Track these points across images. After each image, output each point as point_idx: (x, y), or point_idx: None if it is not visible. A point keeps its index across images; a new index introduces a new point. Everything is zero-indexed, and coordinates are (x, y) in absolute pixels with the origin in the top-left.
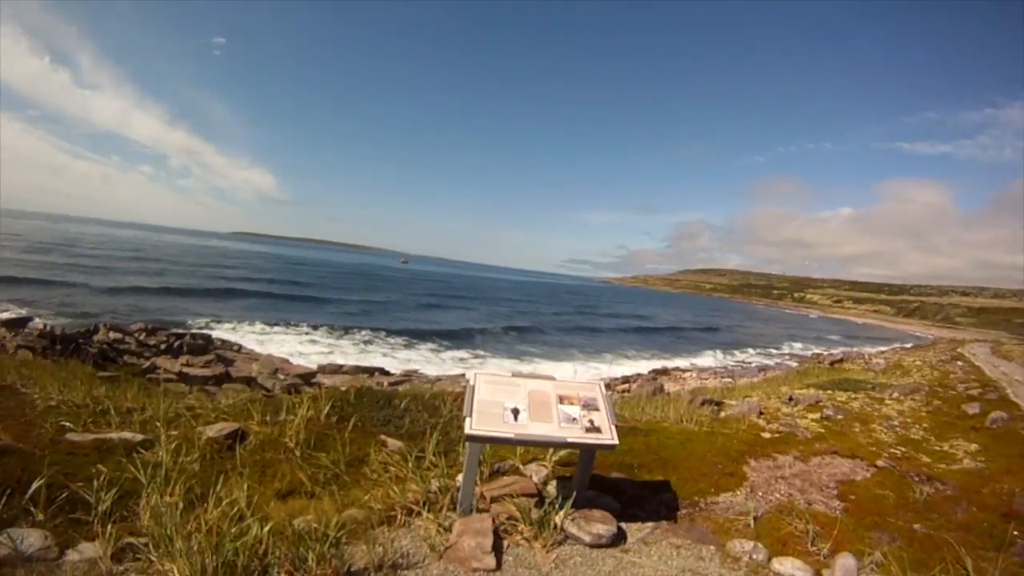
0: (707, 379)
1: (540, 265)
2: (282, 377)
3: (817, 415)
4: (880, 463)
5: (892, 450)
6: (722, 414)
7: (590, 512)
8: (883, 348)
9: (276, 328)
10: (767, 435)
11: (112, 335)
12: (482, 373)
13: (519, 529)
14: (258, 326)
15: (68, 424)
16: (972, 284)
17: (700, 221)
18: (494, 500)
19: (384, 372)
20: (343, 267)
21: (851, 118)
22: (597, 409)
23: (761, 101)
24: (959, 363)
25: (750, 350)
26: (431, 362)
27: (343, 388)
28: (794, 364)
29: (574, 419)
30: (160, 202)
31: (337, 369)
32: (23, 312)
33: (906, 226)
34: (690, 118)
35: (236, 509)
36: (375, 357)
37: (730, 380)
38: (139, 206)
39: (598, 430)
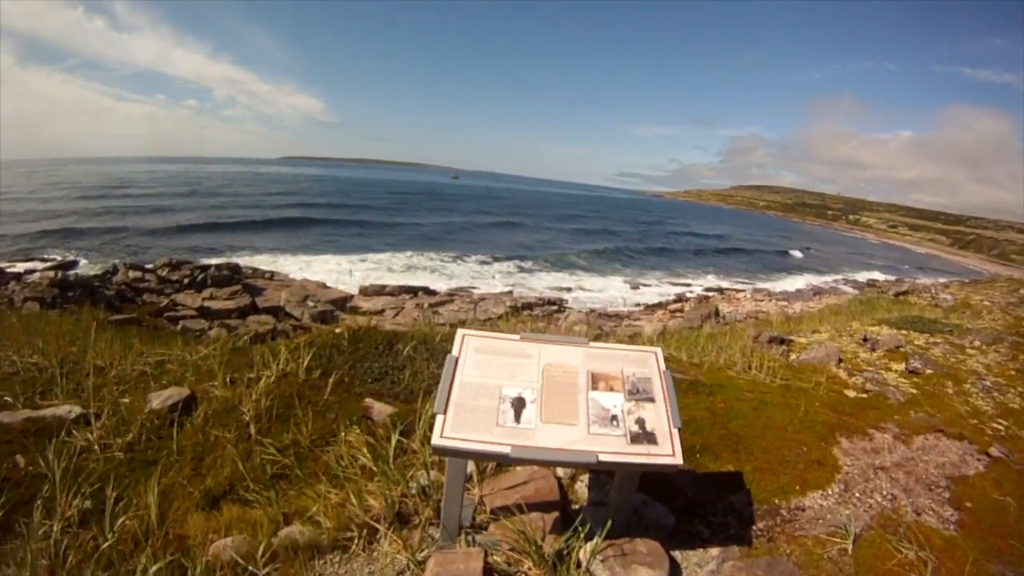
0: (762, 301)
1: (591, 179)
2: (312, 304)
3: (901, 366)
4: (993, 451)
5: (995, 425)
6: (792, 356)
7: (632, 546)
8: (942, 280)
9: (320, 252)
10: (852, 394)
11: (132, 274)
12: (473, 333)
13: (524, 568)
14: (300, 251)
15: (8, 399)
16: None
17: (755, 136)
18: (497, 512)
19: (428, 291)
20: (392, 185)
21: (913, 37)
22: (651, 399)
23: (819, 13)
24: None
25: (806, 272)
26: (479, 277)
27: (337, 330)
28: (850, 290)
29: (613, 417)
30: (208, 134)
31: (380, 290)
32: (70, 257)
33: (966, 155)
34: (745, 25)
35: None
36: (421, 275)
37: (786, 303)
38: (187, 140)
39: (651, 438)
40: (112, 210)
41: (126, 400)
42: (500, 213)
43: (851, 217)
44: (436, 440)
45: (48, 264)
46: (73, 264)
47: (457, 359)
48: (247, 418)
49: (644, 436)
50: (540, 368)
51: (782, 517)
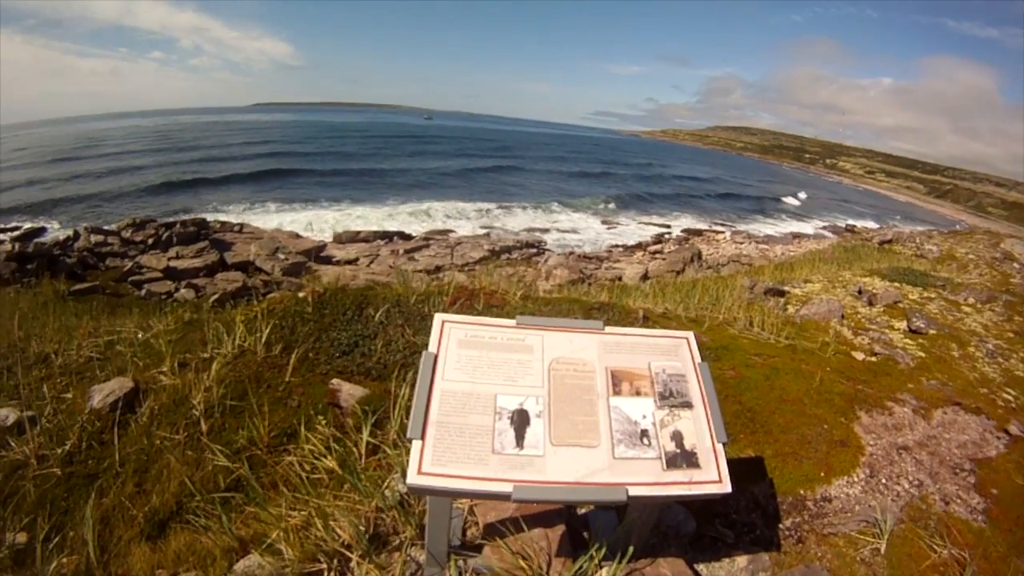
0: (742, 244)
1: (566, 118)
2: (282, 257)
3: (903, 324)
4: (1013, 429)
5: (1005, 395)
6: (790, 309)
7: (655, 568)
8: (919, 228)
9: (291, 201)
10: (861, 356)
11: (94, 238)
12: (455, 320)
13: None
14: (271, 202)
15: None
16: (1007, 176)
17: (733, 77)
18: (491, 529)
19: (404, 236)
20: (364, 128)
21: None
22: (687, 403)
23: None
24: (1015, 264)
25: (781, 214)
26: (455, 218)
27: (300, 294)
28: (829, 235)
29: (643, 432)
30: (176, 84)
31: (354, 237)
32: (38, 224)
33: (947, 106)
34: None
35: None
36: (396, 219)
37: (767, 247)
38: (155, 92)
39: (691, 459)
40: (79, 171)
41: (69, 396)
42: (476, 155)
43: (828, 161)
44: (413, 478)
45: (13, 234)
46: (40, 232)
47: (436, 357)
48: (197, 412)
49: (683, 457)
50: (545, 366)
51: (809, 511)
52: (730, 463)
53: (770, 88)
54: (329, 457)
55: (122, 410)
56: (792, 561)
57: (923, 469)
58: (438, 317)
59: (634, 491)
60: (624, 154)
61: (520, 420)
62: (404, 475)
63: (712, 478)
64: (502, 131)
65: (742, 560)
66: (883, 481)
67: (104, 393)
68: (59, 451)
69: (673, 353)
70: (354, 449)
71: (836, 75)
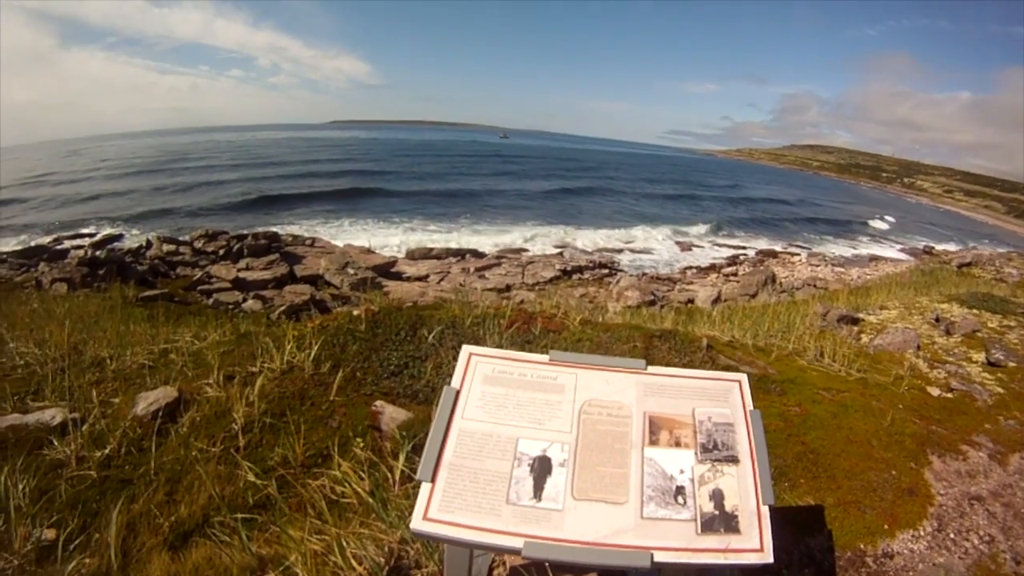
0: (818, 267)
1: (641, 136)
2: (352, 272)
3: (981, 355)
4: None
5: None
6: (863, 338)
7: None
8: (999, 250)
9: (366, 217)
10: (936, 392)
11: (166, 247)
12: (483, 353)
13: None
14: (346, 217)
15: None
16: None
17: (808, 94)
18: (517, 573)
19: (476, 254)
20: (441, 146)
21: None
22: (733, 458)
23: None
24: None
25: (858, 235)
26: (528, 239)
27: (354, 312)
28: (906, 257)
29: (678, 489)
30: (254, 102)
31: (426, 254)
32: (119, 230)
33: None
34: None
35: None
36: (470, 237)
37: (842, 270)
38: (234, 109)
39: (730, 522)
40: (157, 183)
41: (117, 401)
42: (548, 171)
43: (906, 180)
44: (417, 524)
45: (92, 240)
46: (118, 238)
47: (458, 393)
48: (237, 427)
49: (720, 520)
50: (576, 409)
51: (868, 568)
52: (787, 512)
53: (846, 105)
54: (360, 482)
55: (163, 419)
56: None
57: (995, 523)
58: (465, 349)
59: (660, 556)
60: (703, 175)
61: (541, 468)
62: None
63: (752, 546)
64: (576, 149)
65: None
66: (951, 536)
67: (148, 401)
68: (98, 454)
69: (722, 398)
70: (388, 475)
71: (912, 91)
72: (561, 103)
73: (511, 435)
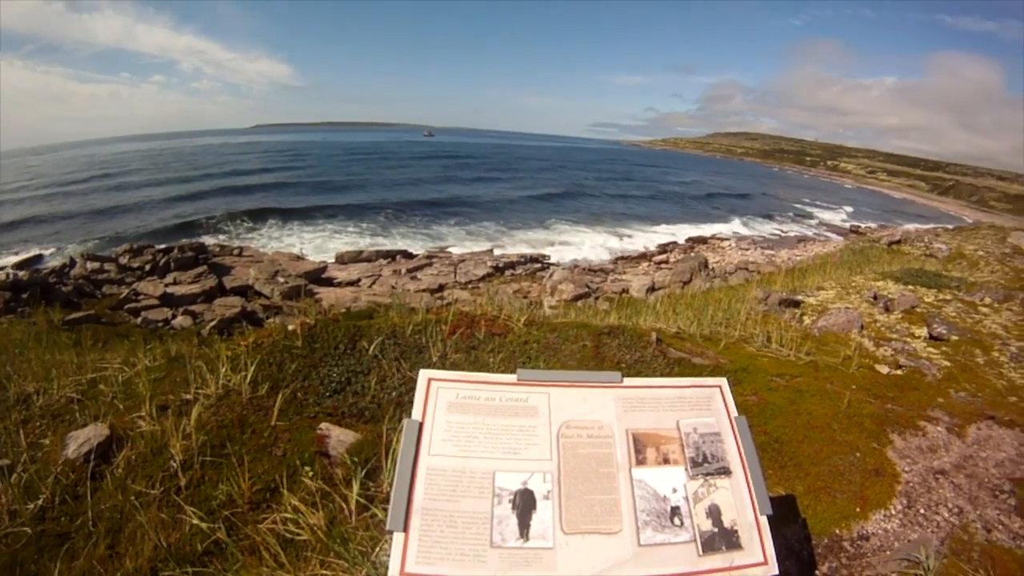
0: (748, 249)
1: (566, 130)
2: (282, 280)
3: (923, 331)
4: None
5: None
6: (806, 320)
7: None
8: (923, 226)
9: (291, 221)
10: (886, 370)
11: (90, 265)
12: (443, 377)
13: None
14: (271, 224)
15: None
16: (1012, 169)
17: (733, 83)
18: None
19: (406, 255)
20: (364, 147)
21: None
22: (725, 470)
23: None
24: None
25: (787, 217)
26: (457, 237)
27: (289, 327)
28: (835, 236)
29: (674, 510)
30: (177, 108)
31: (356, 257)
32: (41, 251)
33: (952, 102)
34: None
35: None
36: (397, 239)
37: (772, 252)
38: (156, 116)
39: (731, 539)
40: (77, 198)
41: (46, 442)
42: (474, 168)
43: (829, 163)
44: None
45: (14, 261)
46: (38, 260)
47: (421, 426)
48: (175, 464)
49: (721, 537)
50: (553, 433)
51: (846, 553)
52: None
53: (771, 93)
54: (315, 514)
55: (97, 460)
56: None
57: (962, 494)
58: (423, 374)
59: None
60: (625, 165)
61: (524, 503)
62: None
63: (756, 560)
64: (502, 145)
65: None
66: (921, 511)
67: (79, 441)
68: (31, 506)
69: (705, 406)
70: (343, 506)
71: (838, 76)
72: (487, 99)
73: (486, 469)
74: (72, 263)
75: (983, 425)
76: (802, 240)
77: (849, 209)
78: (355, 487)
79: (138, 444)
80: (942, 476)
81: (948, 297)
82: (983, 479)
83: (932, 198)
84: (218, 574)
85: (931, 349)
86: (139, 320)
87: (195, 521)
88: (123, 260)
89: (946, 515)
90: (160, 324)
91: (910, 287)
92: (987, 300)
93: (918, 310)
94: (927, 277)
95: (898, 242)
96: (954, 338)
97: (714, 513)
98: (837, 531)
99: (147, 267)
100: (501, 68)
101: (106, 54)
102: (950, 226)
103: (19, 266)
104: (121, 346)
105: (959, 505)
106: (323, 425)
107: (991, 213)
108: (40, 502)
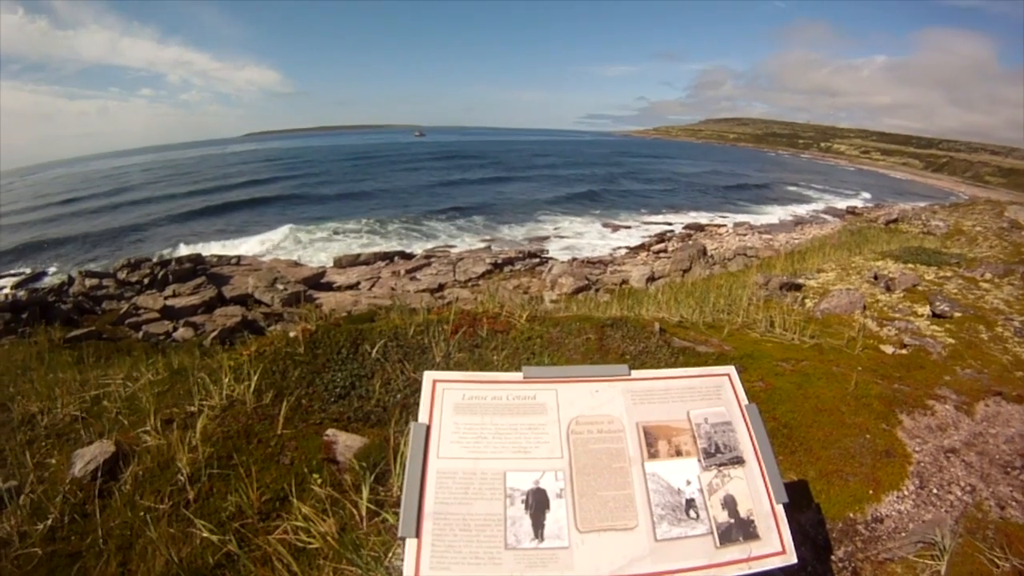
0: (745, 235)
1: (558, 123)
2: (281, 287)
3: (926, 308)
4: None
5: None
6: (808, 303)
7: None
8: (921, 204)
9: (286, 228)
10: (891, 350)
11: (89, 282)
12: (448, 379)
13: None
14: (267, 231)
15: None
16: (1005, 143)
17: (723, 68)
18: None
19: (404, 255)
20: (354, 150)
21: None
22: (738, 459)
23: None
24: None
25: (781, 201)
26: (453, 236)
27: (291, 334)
28: (831, 218)
29: (689, 503)
30: (167, 120)
31: (354, 260)
32: (41, 269)
33: (943, 78)
34: None
35: None
36: (394, 240)
37: (770, 236)
38: (147, 129)
39: (748, 529)
40: (74, 215)
41: (52, 461)
42: (466, 167)
43: (822, 144)
44: None
45: (14, 280)
46: (38, 278)
47: (428, 429)
48: (183, 477)
49: (738, 528)
50: (563, 429)
51: (861, 536)
52: None
53: (761, 76)
54: (326, 522)
55: (104, 477)
56: None
57: (974, 472)
58: (428, 376)
59: None
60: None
61: (537, 503)
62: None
63: (774, 549)
64: (493, 142)
65: None
66: (934, 491)
67: (85, 460)
68: (41, 527)
69: (715, 395)
70: (354, 512)
71: (828, 57)
72: (479, 96)
73: (497, 469)
74: (71, 281)
75: (991, 401)
76: (800, 223)
77: (844, 189)
78: (364, 492)
79: (144, 459)
80: (953, 455)
81: (949, 274)
82: (994, 456)
83: (927, 175)
84: None
85: (935, 327)
86: (140, 334)
87: (205, 534)
88: (121, 275)
89: (959, 494)
90: (162, 337)
91: (910, 266)
92: (987, 275)
93: (919, 288)
94: (927, 255)
95: (895, 221)
96: (957, 315)
97: (730, 504)
98: (851, 515)
99: (146, 281)
100: (489, 65)
101: (93, 70)
102: (946, 203)
103: (17, 286)
104: (123, 361)
105: (971, 483)
106: (329, 431)
107: (987, 188)
108: (49, 522)
